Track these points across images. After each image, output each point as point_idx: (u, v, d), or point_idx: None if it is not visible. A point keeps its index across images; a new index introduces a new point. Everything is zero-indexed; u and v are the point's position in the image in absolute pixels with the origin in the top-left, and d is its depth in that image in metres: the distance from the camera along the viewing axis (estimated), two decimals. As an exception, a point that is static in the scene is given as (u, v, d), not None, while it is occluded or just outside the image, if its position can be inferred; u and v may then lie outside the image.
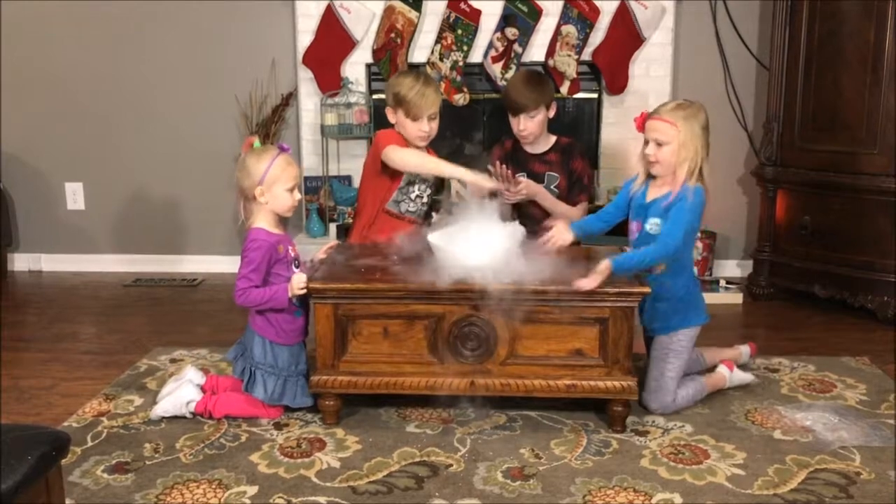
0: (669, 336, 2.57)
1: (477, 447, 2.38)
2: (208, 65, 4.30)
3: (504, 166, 2.97)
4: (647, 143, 2.53)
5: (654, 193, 2.57)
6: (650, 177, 2.59)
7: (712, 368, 2.78)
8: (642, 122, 2.55)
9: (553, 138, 3.19)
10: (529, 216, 3.02)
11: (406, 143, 2.91)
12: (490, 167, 2.99)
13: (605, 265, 2.34)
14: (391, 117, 2.93)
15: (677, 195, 2.48)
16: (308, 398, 2.57)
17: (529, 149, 3.17)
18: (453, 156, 3.02)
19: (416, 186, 2.93)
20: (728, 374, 2.74)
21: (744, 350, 2.95)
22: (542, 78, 3.22)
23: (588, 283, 2.32)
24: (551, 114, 3.13)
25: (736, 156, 4.25)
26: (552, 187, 3.12)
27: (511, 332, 2.42)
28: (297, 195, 2.57)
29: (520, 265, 2.40)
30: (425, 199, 2.96)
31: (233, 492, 2.15)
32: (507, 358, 2.44)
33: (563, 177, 3.14)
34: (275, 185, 2.49)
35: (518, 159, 3.16)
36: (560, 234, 2.66)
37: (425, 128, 2.88)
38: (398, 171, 2.88)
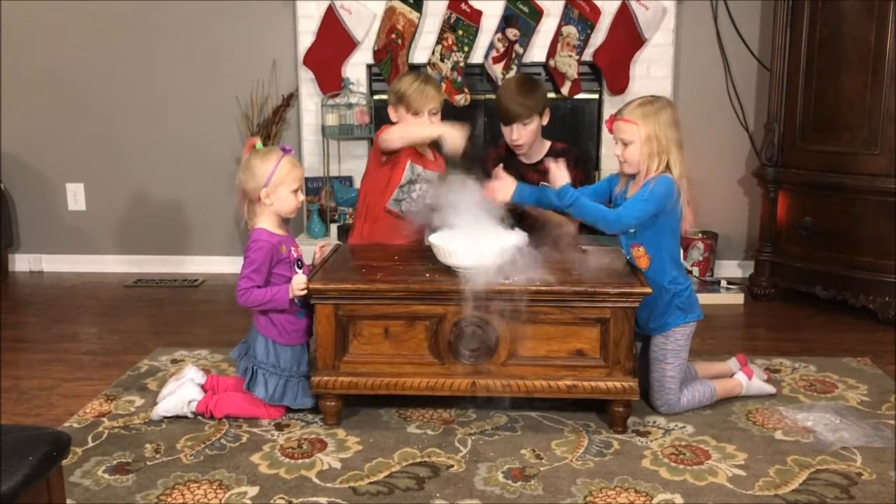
0: (665, 336, 2.56)
1: (478, 448, 2.38)
2: (209, 65, 4.30)
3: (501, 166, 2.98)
4: (616, 143, 2.57)
5: (632, 191, 2.58)
6: (633, 177, 2.60)
7: (730, 375, 2.74)
8: (611, 124, 2.57)
9: (547, 144, 3.12)
10: (528, 220, 3.00)
11: None
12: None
13: (566, 179, 2.52)
14: (392, 116, 2.93)
15: (644, 183, 2.51)
16: (309, 399, 2.56)
17: (524, 158, 3.10)
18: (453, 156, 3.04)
19: (418, 186, 2.93)
20: (745, 383, 2.69)
21: (733, 365, 2.80)
22: (535, 84, 3.11)
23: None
24: (545, 121, 3.06)
25: (737, 156, 4.25)
26: None
27: (512, 333, 2.41)
28: (301, 196, 2.57)
29: (520, 265, 2.40)
30: (427, 199, 2.95)
31: (233, 492, 2.15)
32: (507, 358, 2.44)
33: None
34: (280, 186, 2.50)
35: (513, 168, 3.12)
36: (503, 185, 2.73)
37: (426, 122, 2.88)
38: (399, 168, 2.88)
